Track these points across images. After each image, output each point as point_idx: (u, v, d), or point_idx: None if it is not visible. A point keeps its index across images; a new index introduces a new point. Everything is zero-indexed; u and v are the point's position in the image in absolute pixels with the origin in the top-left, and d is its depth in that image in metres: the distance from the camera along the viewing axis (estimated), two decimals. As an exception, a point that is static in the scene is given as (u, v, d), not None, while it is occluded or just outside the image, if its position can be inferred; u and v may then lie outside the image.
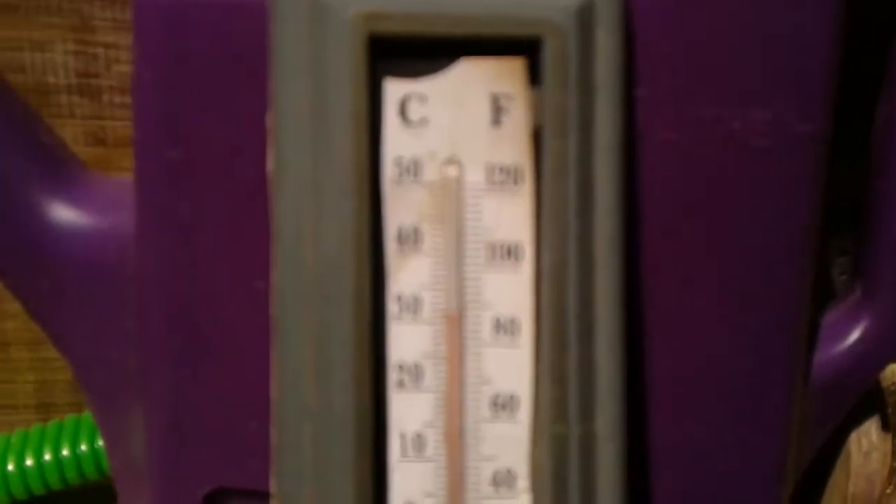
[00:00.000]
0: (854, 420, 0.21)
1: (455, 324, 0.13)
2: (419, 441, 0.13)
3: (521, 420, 0.13)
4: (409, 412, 0.13)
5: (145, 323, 0.16)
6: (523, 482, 0.13)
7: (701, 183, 0.14)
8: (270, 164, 0.13)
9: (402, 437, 0.13)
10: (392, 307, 0.13)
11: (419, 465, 0.13)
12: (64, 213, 0.17)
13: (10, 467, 0.24)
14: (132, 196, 0.17)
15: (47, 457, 0.24)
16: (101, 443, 0.25)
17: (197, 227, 0.15)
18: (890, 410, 0.20)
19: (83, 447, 0.24)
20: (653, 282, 0.14)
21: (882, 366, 0.19)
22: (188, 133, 0.14)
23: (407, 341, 0.13)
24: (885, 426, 0.21)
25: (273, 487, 0.13)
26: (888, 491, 0.20)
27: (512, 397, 0.13)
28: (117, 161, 0.24)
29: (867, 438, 0.21)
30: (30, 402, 0.27)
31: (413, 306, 0.13)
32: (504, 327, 0.13)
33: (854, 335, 0.19)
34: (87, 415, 0.26)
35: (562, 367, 0.12)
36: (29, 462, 0.24)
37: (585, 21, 0.12)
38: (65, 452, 0.24)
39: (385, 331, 0.13)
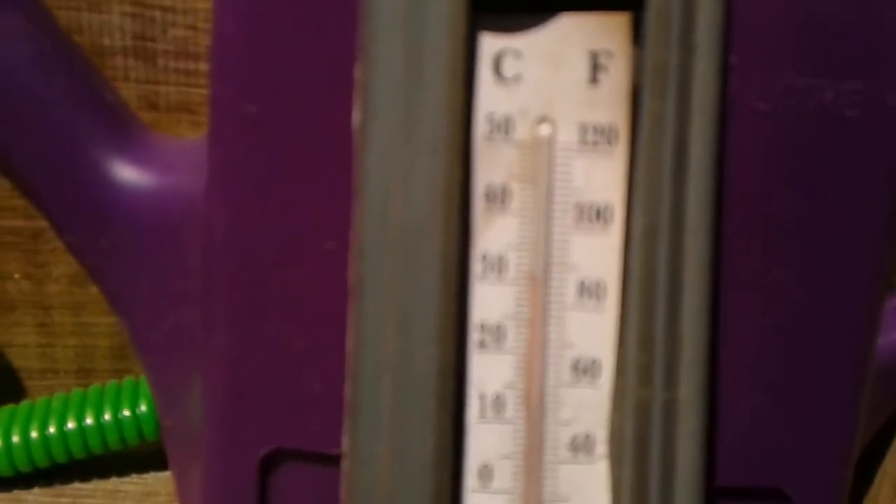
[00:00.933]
0: (910, 409, 0.21)
1: (539, 285, 0.13)
2: (498, 402, 0.13)
3: (602, 385, 0.13)
4: (489, 373, 0.13)
5: (210, 281, 0.16)
6: (602, 448, 0.13)
7: (790, 153, 0.13)
8: (357, 118, 0.13)
9: (482, 398, 0.13)
10: (476, 266, 0.13)
11: (497, 426, 0.13)
12: (126, 172, 0.17)
13: (52, 430, 0.24)
14: (195, 157, 0.16)
15: (89, 420, 0.24)
16: (143, 408, 0.25)
17: (271, 184, 0.15)
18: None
19: (125, 412, 0.24)
20: (736, 250, 0.13)
21: (945, 353, 0.19)
22: (268, 87, 0.14)
23: (490, 301, 0.13)
24: (941, 417, 0.21)
25: (346, 445, 0.13)
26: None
27: (594, 362, 0.13)
28: (169, 127, 0.24)
29: (923, 428, 0.20)
30: (70, 366, 0.27)
31: (498, 266, 0.13)
32: (589, 291, 0.13)
33: (917, 321, 0.18)
34: (128, 380, 0.26)
35: (649, 331, 0.12)
36: (70, 425, 0.24)
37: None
38: (106, 417, 0.24)
39: (468, 290, 0.13)
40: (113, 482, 0.25)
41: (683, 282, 0.12)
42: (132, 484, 0.25)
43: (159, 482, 0.25)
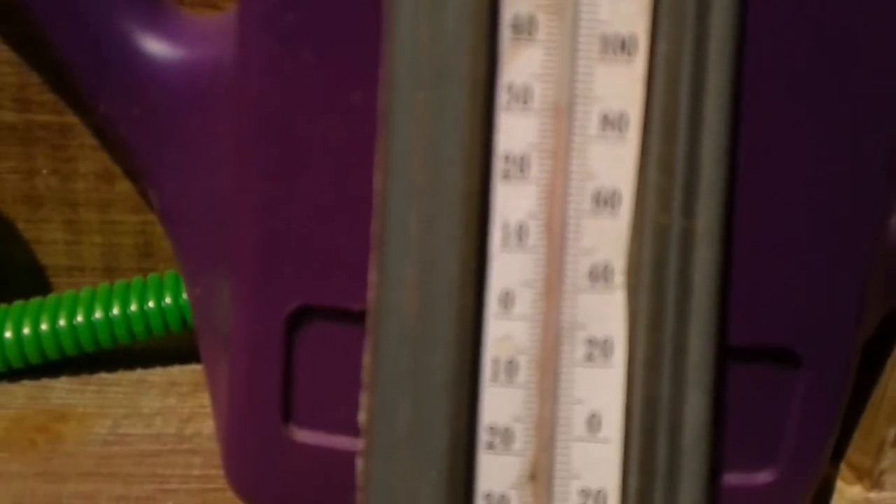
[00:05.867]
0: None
1: (563, 116, 0.13)
2: (521, 231, 0.13)
3: (622, 216, 0.13)
4: (512, 202, 0.13)
5: (241, 137, 0.16)
6: (620, 277, 0.13)
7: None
8: (388, -47, 0.13)
9: (505, 226, 0.13)
10: (502, 96, 0.13)
11: (520, 255, 0.13)
12: (156, 44, 0.18)
13: (80, 319, 0.25)
14: (223, 30, 0.17)
15: (115, 311, 0.25)
16: (167, 300, 0.25)
17: (299, 35, 0.15)
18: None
19: (150, 304, 0.25)
20: (758, 90, 0.14)
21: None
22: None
23: (515, 132, 0.13)
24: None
25: (373, 276, 0.14)
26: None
27: (614, 193, 0.13)
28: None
29: (934, 315, 0.21)
30: (97, 264, 0.28)
31: (523, 96, 0.13)
32: (612, 122, 0.13)
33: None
34: (153, 277, 0.26)
35: (669, 156, 0.12)
36: (98, 315, 0.25)
37: None
38: (132, 308, 0.25)
39: (494, 120, 0.13)
40: (138, 373, 0.26)
41: (705, 112, 0.13)
42: (157, 375, 0.26)
43: (183, 374, 0.26)
